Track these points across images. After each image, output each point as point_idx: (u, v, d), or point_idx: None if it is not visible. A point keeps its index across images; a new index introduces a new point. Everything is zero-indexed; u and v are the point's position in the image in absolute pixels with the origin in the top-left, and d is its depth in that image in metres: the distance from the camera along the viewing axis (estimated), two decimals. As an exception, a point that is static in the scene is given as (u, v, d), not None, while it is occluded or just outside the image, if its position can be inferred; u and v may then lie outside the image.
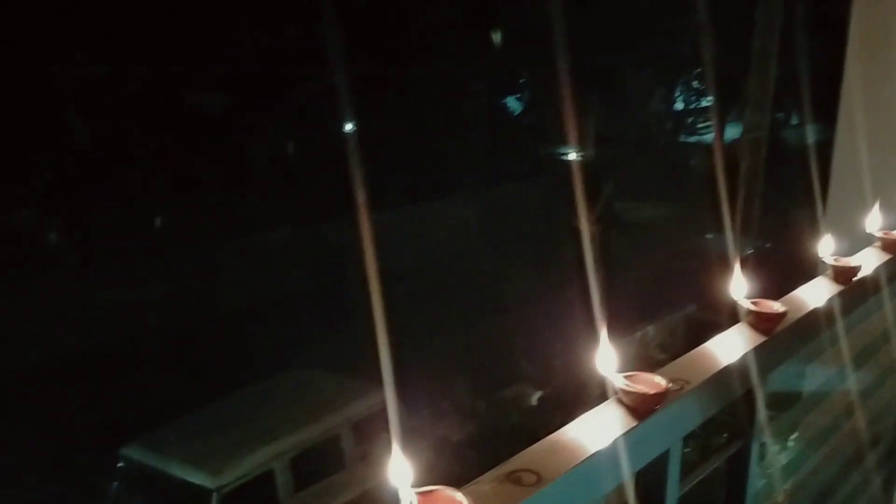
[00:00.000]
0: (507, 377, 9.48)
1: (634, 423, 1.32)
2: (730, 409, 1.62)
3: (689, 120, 17.41)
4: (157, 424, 7.81)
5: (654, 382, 1.38)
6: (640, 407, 1.34)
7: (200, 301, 11.70)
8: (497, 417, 8.59)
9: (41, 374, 9.77)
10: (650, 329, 9.62)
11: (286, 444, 7.31)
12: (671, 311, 10.13)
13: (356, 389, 8.05)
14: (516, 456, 1.22)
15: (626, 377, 1.36)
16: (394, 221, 11.81)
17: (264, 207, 13.26)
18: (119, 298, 11.27)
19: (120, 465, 7.33)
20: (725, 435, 1.84)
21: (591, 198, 10.34)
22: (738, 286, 1.71)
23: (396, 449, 1.14)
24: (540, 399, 9.03)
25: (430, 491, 1.13)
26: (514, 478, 1.18)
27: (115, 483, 7.29)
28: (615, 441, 1.27)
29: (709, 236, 11.05)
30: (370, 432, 7.70)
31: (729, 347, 1.61)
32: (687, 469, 1.53)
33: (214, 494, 6.71)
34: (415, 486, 1.12)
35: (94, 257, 11.83)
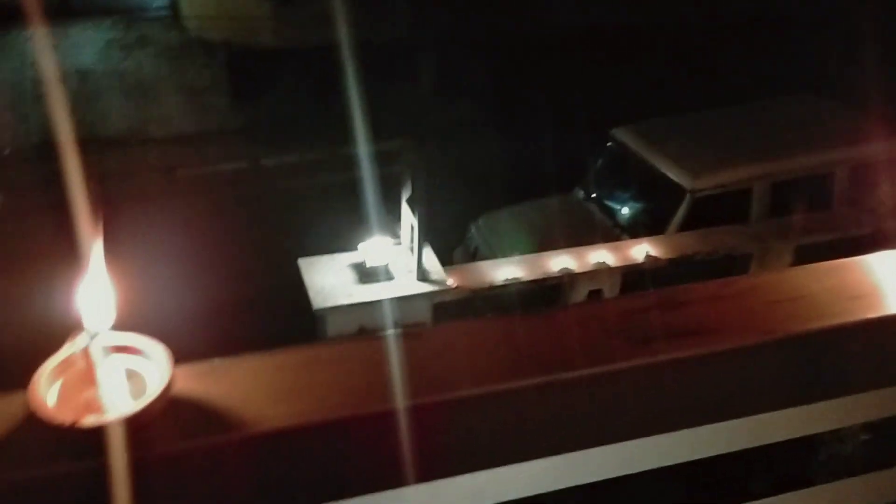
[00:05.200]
0: None
1: None
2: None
3: None
4: (653, 115, 7.89)
5: None
6: None
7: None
8: None
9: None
10: None
11: (773, 167, 6.93)
12: None
13: (869, 129, 7.15)
14: None
15: None
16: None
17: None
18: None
19: (609, 144, 7.67)
20: None
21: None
22: None
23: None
24: None
25: None
26: None
27: (600, 159, 7.71)
28: None
29: None
30: (868, 179, 6.92)
31: None
32: None
33: (688, 196, 6.74)
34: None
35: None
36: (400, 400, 0.72)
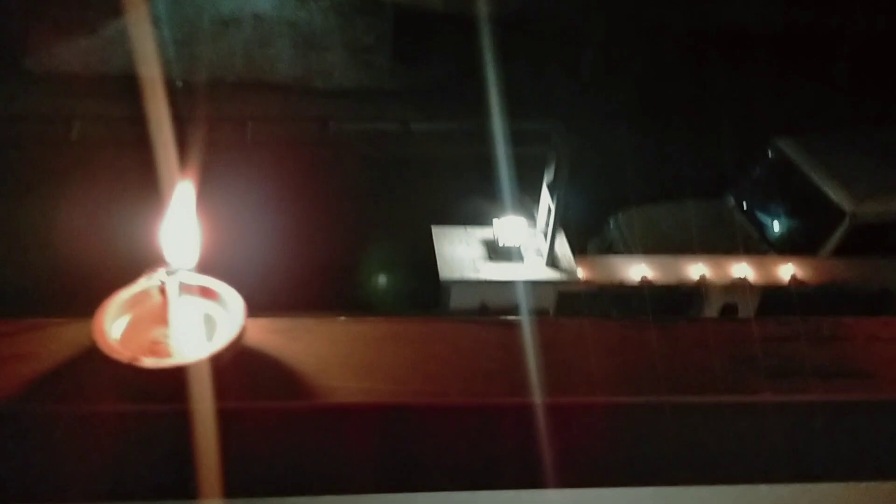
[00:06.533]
0: None
1: None
2: None
3: None
4: (815, 129, 7.43)
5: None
6: None
7: None
8: None
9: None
10: None
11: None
12: None
13: None
14: None
15: None
16: None
17: None
18: None
19: (769, 153, 7.28)
20: None
21: None
22: None
23: None
24: None
25: None
26: None
27: (757, 168, 7.33)
28: None
29: None
30: None
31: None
32: None
33: (848, 218, 6.31)
34: None
35: None
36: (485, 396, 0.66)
